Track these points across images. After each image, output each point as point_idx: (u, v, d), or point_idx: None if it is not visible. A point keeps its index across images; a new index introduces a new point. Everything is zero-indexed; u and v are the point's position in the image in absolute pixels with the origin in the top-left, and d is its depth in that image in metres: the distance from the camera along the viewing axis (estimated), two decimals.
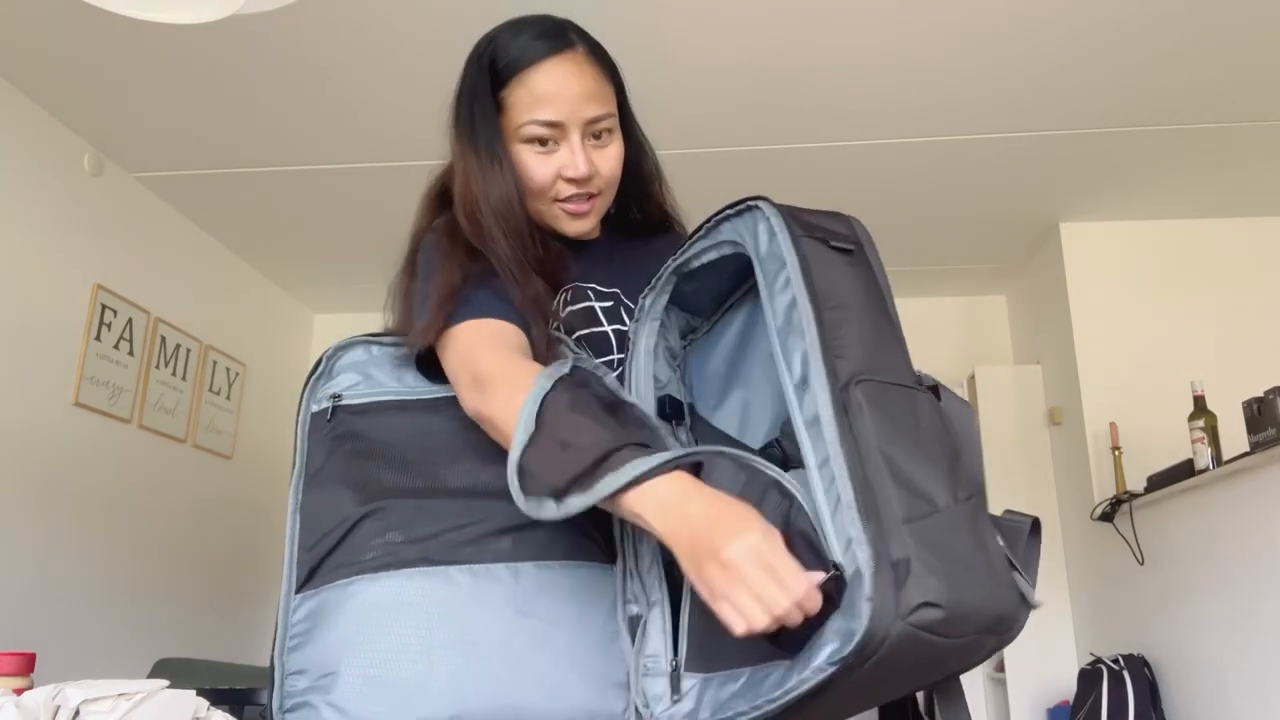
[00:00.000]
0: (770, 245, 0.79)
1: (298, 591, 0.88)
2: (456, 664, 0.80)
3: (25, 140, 3.02)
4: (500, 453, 0.84)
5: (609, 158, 1.05)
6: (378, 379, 0.96)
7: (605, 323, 1.05)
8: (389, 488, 0.90)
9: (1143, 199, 3.73)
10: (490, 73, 1.02)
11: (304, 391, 0.97)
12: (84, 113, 3.11)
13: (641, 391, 0.95)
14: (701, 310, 0.99)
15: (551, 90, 1.00)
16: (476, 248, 0.99)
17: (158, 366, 3.63)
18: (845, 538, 0.66)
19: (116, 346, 3.41)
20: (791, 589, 0.66)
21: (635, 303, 1.07)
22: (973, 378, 4.27)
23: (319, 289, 4.63)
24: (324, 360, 0.97)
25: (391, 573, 0.85)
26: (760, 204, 0.82)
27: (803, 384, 0.72)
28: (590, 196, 1.05)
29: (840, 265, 0.78)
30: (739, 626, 0.67)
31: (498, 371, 0.86)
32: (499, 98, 1.02)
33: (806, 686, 0.65)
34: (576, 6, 2.48)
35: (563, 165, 1.02)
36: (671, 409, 0.97)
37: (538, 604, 0.83)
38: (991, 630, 0.67)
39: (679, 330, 1.00)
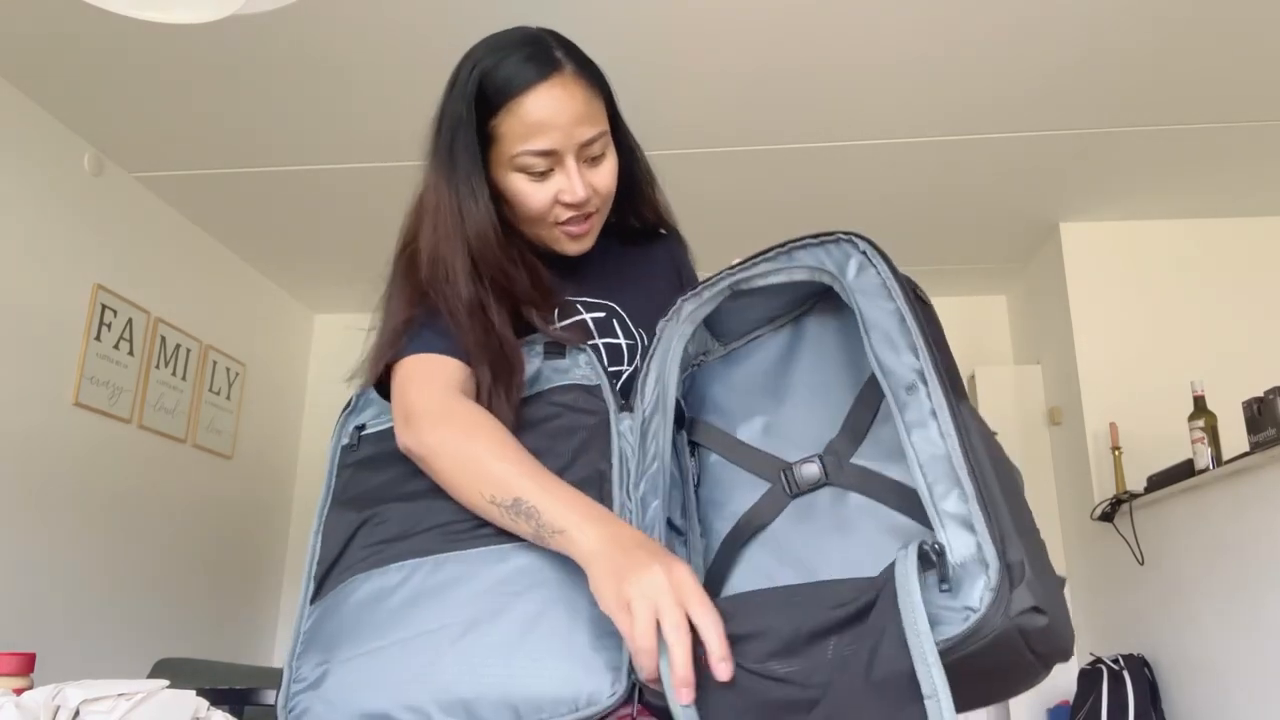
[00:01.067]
0: (864, 274, 0.82)
1: (311, 603, 0.92)
2: (441, 649, 0.81)
3: (25, 140, 3.02)
4: None
5: (604, 175, 1.04)
6: None
7: (596, 335, 1.05)
8: (386, 496, 0.94)
9: (1143, 199, 3.73)
10: (476, 101, 0.99)
11: (336, 426, 1.03)
12: (84, 113, 3.11)
13: (668, 383, 0.94)
14: (727, 334, 0.99)
15: (544, 119, 0.97)
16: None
17: (158, 366, 3.63)
18: (961, 521, 0.67)
19: (116, 346, 3.41)
20: (707, 628, 0.70)
21: (630, 315, 1.08)
22: (973, 378, 4.27)
23: (319, 289, 4.63)
24: (355, 398, 1.04)
25: (382, 569, 0.88)
26: (855, 238, 0.85)
27: (911, 389, 0.75)
28: (588, 216, 1.04)
29: (923, 308, 0.83)
30: (641, 671, 0.72)
31: (420, 407, 0.90)
32: (489, 127, 1.00)
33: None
34: (577, 9, 2.48)
35: (560, 191, 1.01)
36: (675, 415, 0.98)
37: (525, 585, 0.83)
38: (1056, 657, 0.68)
39: (696, 347, 1.00)
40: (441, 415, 0.90)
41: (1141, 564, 3.30)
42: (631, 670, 0.77)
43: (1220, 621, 2.85)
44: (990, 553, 0.65)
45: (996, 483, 0.69)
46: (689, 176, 3.46)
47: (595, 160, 1.03)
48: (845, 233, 0.85)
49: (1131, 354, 3.72)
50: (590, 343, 1.04)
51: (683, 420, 0.99)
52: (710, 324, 0.97)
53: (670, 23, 2.66)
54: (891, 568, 0.67)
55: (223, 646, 3.96)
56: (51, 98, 3.04)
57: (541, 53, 0.99)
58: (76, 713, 0.66)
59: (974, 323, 4.69)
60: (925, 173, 3.51)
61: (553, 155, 0.99)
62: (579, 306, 1.07)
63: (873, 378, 0.88)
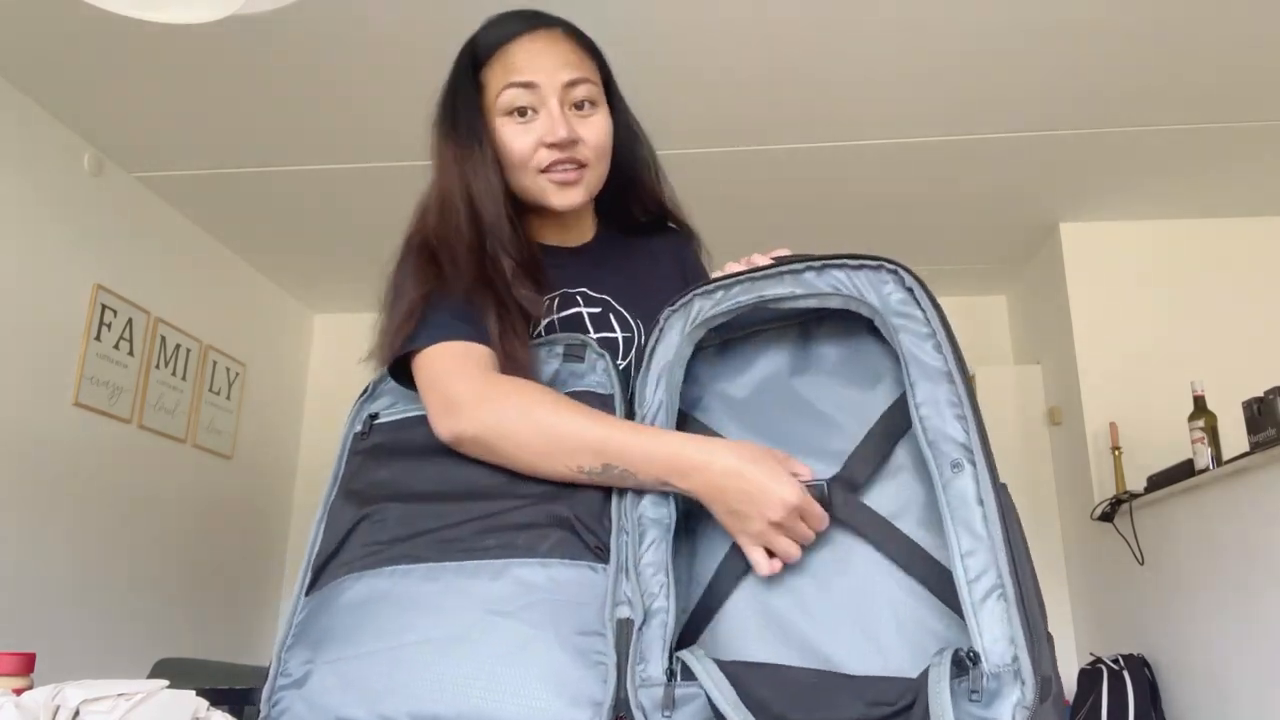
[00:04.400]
0: (908, 314, 0.79)
1: (306, 595, 0.90)
2: (424, 662, 0.79)
3: (25, 140, 3.02)
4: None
5: (593, 126, 1.02)
6: (413, 397, 0.97)
7: (591, 329, 1.04)
8: (389, 493, 0.92)
9: (1143, 199, 3.73)
10: (470, 60, 1.03)
11: (350, 412, 1.00)
12: (84, 113, 3.11)
13: (673, 391, 0.90)
14: (726, 326, 0.93)
15: (526, 59, 1.00)
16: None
17: (158, 366, 3.63)
18: (1001, 633, 0.66)
19: (116, 346, 3.41)
20: (816, 529, 0.82)
21: (627, 309, 1.06)
22: (973, 378, 4.26)
23: (319, 289, 4.63)
24: (371, 385, 1.01)
25: (375, 571, 0.86)
26: (899, 269, 0.81)
27: (956, 466, 0.73)
28: (580, 166, 1.02)
29: (953, 349, 0.80)
30: (762, 570, 0.81)
31: (465, 391, 0.89)
32: (479, 80, 1.03)
33: None
34: (577, 6, 2.48)
35: (543, 132, 1.00)
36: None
37: (511, 604, 0.81)
38: None
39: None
40: (491, 393, 0.89)
41: (1141, 564, 3.30)
42: (615, 705, 0.77)
43: (1220, 621, 2.85)
44: (1027, 669, 0.64)
45: (1033, 584, 0.69)
46: (688, 176, 3.45)
47: (584, 111, 1.02)
48: (886, 260, 0.80)
49: (1131, 354, 3.72)
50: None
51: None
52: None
53: (670, 23, 2.66)
54: (926, 675, 0.67)
55: (223, 646, 3.95)
56: (51, 98, 3.04)
57: (531, 13, 1.04)
58: (76, 713, 0.66)
59: (974, 323, 4.69)
60: (925, 173, 3.51)
61: (534, 90, 1.00)
62: (577, 298, 1.05)
63: (893, 408, 0.84)
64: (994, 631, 0.66)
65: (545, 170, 1.02)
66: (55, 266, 3.14)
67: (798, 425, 0.87)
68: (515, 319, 0.95)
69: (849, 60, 2.84)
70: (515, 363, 0.92)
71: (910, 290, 0.79)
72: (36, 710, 0.65)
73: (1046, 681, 0.64)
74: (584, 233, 1.15)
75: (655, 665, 0.77)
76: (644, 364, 0.91)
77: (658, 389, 0.89)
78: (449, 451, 0.91)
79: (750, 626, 0.82)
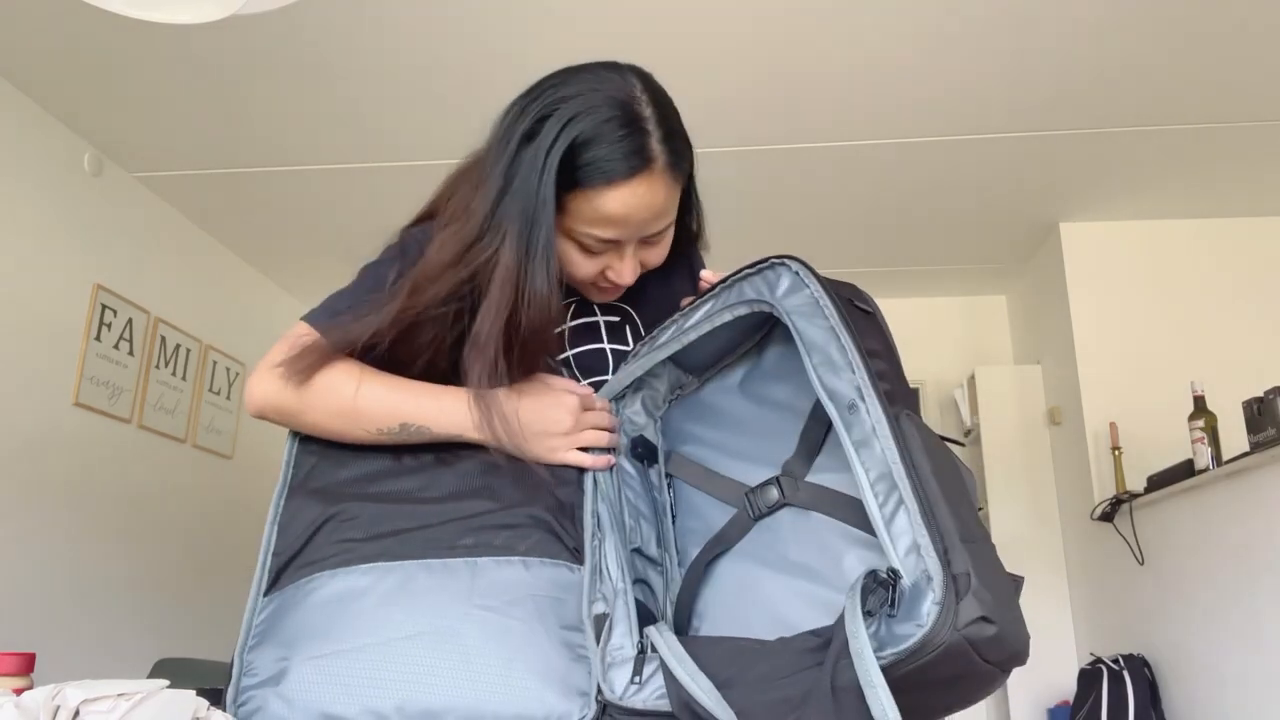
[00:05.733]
0: (798, 295, 0.83)
1: (265, 595, 0.89)
2: (406, 656, 0.80)
3: (25, 140, 3.02)
4: (472, 460, 0.92)
5: (657, 254, 1.00)
6: None
7: (605, 339, 1.03)
8: (355, 492, 0.92)
9: (1143, 199, 3.73)
10: (560, 168, 0.89)
11: None
12: (84, 113, 3.11)
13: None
14: (696, 367, 0.99)
15: (620, 215, 0.91)
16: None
17: (158, 366, 3.63)
18: (908, 543, 0.68)
19: (116, 346, 3.41)
20: (607, 421, 0.94)
21: (646, 324, 1.07)
22: (973, 378, 4.27)
23: (319, 289, 4.63)
24: None
25: (349, 568, 0.86)
26: (789, 261, 0.85)
27: (852, 408, 0.75)
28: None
29: (863, 319, 0.82)
30: (598, 467, 0.92)
31: (273, 369, 0.95)
32: (561, 200, 0.91)
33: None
34: (575, 10, 2.48)
35: (609, 268, 0.97)
36: (644, 449, 0.99)
37: (495, 599, 0.83)
38: (1010, 663, 0.69)
39: (671, 384, 1.01)
40: (293, 368, 0.92)
41: (1141, 564, 3.30)
42: (600, 693, 0.79)
43: (1220, 621, 2.85)
44: (935, 567, 0.66)
45: (941, 494, 0.71)
46: None
47: (652, 240, 0.98)
48: (778, 257, 0.85)
49: (1131, 354, 3.72)
50: (597, 346, 1.03)
51: (655, 456, 1.00)
52: (679, 361, 0.98)
53: (670, 23, 2.66)
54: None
55: (223, 646, 3.95)
56: (51, 98, 3.04)
57: (638, 141, 0.91)
58: (76, 713, 0.66)
59: (974, 323, 4.69)
60: (925, 173, 3.51)
61: (614, 243, 0.95)
62: (595, 307, 1.06)
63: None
64: (903, 543, 0.68)
65: (596, 285, 1.00)
66: (55, 266, 3.14)
67: (754, 434, 0.94)
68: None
69: (849, 60, 2.84)
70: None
71: (797, 274, 0.83)
72: (36, 710, 0.65)
73: (962, 577, 0.65)
74: None
75: (622, 638, 0.82)
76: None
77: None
78: (410, 452, 0.94)
79: (730, 599, 0.90)
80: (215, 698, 0.80)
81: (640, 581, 0.92)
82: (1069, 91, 2.99)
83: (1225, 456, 2.83)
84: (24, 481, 2.98)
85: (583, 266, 0.97)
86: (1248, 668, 2.72)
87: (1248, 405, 2.64)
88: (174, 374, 3.73)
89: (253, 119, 3.13)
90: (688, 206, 1.05)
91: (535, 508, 0.89)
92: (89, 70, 2.88)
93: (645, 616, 0.87)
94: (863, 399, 0.75)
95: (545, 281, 0.90)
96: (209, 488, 3.96)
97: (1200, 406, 2.98)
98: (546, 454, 0.92)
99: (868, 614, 0.67)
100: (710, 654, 0.75)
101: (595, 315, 1.05)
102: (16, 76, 2.92)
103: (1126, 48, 2.77)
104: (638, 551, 0.94)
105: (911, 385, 0.89)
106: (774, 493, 0.89)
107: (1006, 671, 0.70)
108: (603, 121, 0.90)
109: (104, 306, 3.34)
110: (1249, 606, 2.71)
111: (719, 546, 0.92)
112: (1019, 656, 0.69)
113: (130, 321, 3.48)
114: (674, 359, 0.97)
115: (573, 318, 1.04)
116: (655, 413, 1.02)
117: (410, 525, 0.88)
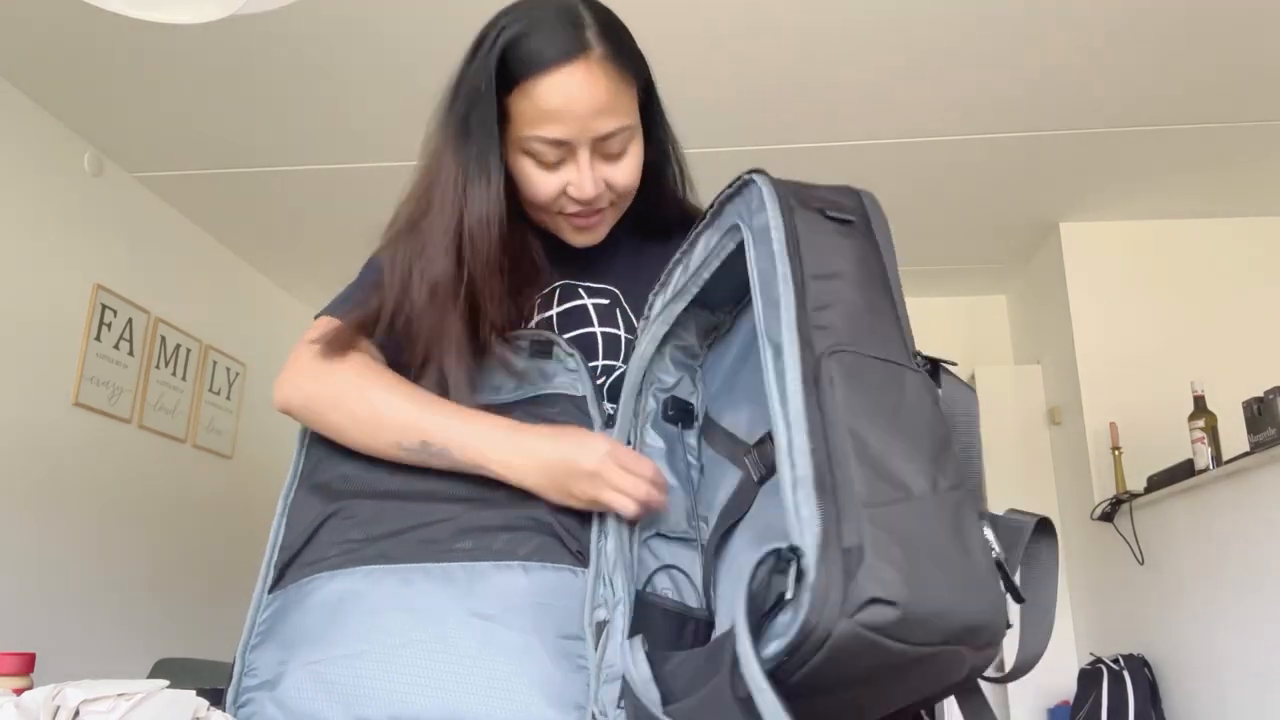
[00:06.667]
0: (760, 215, 0.73)
1: (269, 592, 0.87)
2: (405, 665, 0.78)
3: (25, 140, 3.02)
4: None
5: (623, 172, 0.95)
6: None
7: (596, 324, 0.99)
8: (356, 489, 0.90)
9: (1143, 199, 3.73)
10: (498, 71, 0.89)
11: None
12: (84, 113, 3.11)
13: (625, 396, 0.89)
14: (722, 303, 0.89)
15: (558, 105, 0.88)
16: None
17: (158, 366, 3.63)
18: (799, 518, 0.58)
19: (116, 346, 3.41)
20: (643, 471, 0.82)
21: (634, 307, 1.01)
22: (973, 378, 4.27)
23: (319, 289, 4.63)
24: None
25: (349, 570, 0.84)
26: (755, 176, 0.75)
27: (777, 354, 0.66)
28: (598, 210, 0.97)
29: (834, 235, 0.72)
30: (627, 512, 0.81)
31: (303, 366, 0.94)
32: (504, 103, 0.90)
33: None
34: None
35: (568, 183, 0.93)
36: (676, 411, 0.91)
37: (493, 607, 0.80)
38: (962, 640, 0.57)
39: (702, 328, 0.91)
40: (324, 368, 0.91)
41: (1141, 564, 3.30)
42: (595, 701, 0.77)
43: (1220, 621, 2.85)
44: (810, 540, 0.55)
45: (855, 452, 0.60)
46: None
47: (615, 155, 0.94)
48: (749, 171, 0.75)
49: (1131, 354, 3.72)
50: (587, 330, 0.99)
51: (690, 418, 0.92)
52: (702, 301, 0.88)
53: (670, 23, 2.66)
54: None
55: (223, 646, 3.95)
56: (51, 98, 3.04)
57: (570, 28, 0.89)
58: (76, 713, 0.66)
59: (974, 323, 4.69)
60: (925, 173, 3.51)
61: (564, 145, 0.91)
62: (581, 290, 1.01)
63: None
64: (801, 513, 0.58)
65: (565, 213, 0.97)
66: (55, 266, 3.14)
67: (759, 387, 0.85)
68: (441, 352, 0.92)
69: (848, 60, 2.84)
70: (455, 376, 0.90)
71: (761, 191, 0.74)
72: (36, 710, 0.65)
73: (853, 551, 0.54)
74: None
75: (614, 653, 0.78)
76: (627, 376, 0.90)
77: (626, 404, 0.89)
78: None
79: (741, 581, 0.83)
80: (215, 698, 0.79)
81: (670, 568, 0.86)
82: (1069, 91, 2.99)
83: (1225, 456, 2.83)
84: (24, 481, 2.98)
85: (542, 183, 0.93)
86: (1248, 668, 2.72)
87: (1248, 405, 2.64)
88: (174, 374, 3.73)
89: (253, 119, 3.13)
90: (663, 147, 1.04)
91: (537, 509, 0.86)
92: (89, 70, 2.88)
93: (660, 615, 0.82)
94: (784, 341, 0.65)
95: (485, 196, 0.91)
96: (209, 488, 3.96)
97: (1200, 406, 2.98)
98: (566, 501, 0.85)
99: (775, 604, 0.56)
100: (662, 666, 0.70)
101: (583, 299, 1.01)
102: (16, 76, 2.92)
103: (1127, 48, 2.77)
104: (659, 535, 0.87)
105: None
106: (770, 451, 0.77)
107: (978, 650, 0.58)
108: (538, 19, 0.90)
109: (104, 306, 3.34)
110: (1249, 606, 2.70)
111: (730, 518, 0.83)
112: (976, 633, 0.57)
113: (130, 321, 3.48)
114: (697, 299, 0.87)
115: (559, 302, 1.00)
116: (691, 363, 0.92)
117: (407, 525, 0.86)
